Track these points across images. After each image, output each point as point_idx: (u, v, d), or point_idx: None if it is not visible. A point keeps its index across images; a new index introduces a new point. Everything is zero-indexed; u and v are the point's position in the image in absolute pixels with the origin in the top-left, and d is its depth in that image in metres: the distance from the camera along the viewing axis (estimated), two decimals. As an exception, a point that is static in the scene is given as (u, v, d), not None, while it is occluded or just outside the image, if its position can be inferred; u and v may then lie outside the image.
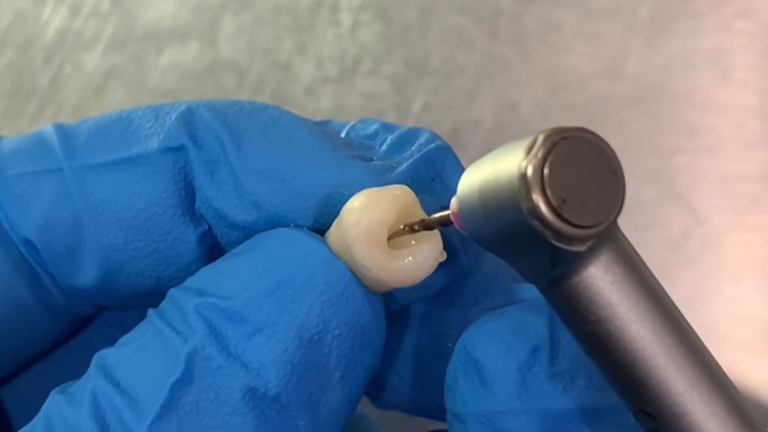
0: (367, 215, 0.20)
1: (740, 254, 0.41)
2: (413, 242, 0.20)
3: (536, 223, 0.16)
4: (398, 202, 0.20)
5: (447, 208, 0.22)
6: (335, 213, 0.21)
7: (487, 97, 0.41)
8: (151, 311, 0.20)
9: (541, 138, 0.16)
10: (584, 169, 0.16)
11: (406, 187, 0.20)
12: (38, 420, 0.20)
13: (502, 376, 0.20)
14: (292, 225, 0.21)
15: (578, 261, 0.17)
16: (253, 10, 0.43)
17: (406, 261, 0.20)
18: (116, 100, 0.42)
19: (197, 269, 0.21)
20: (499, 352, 0.21)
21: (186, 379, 0.19)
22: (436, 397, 0.24)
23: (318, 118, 0.41)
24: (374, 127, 0.23)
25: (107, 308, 0.25)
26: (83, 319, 0.25)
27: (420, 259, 0.20)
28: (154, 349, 0.19)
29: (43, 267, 0.23)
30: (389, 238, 0.20)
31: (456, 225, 0.19)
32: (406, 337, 0.24)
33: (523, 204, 0.16)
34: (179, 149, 0.22)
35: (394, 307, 0.23)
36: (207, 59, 0.42)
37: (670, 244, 0.40)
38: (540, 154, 0.15)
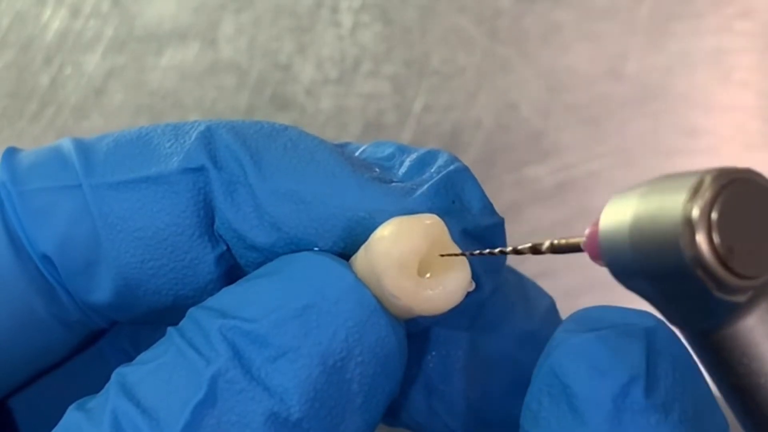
0: (399, 245, 0.20)
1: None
2: (442, 270, 0.20)
3: (698, 271, 0.14)
4: (430, 231, 0.20)
5: (468, 231, 0.21)
6: (355, 236, 0.21)
7: (488, 98, 0.41)
8: (171, 329, 0.20)
9: (708, 179, 0.14)
10: (752, 214, 0.15)
11: (436, 217, 0.20)
12: None
13: (595, 405, 0.20)
14: (313, 248, 0.21)
15: (735, 311, 0.15)
16: (253, 11, 0.43)
17: (436, 291, 0.20)
18: (117, 101, 0.42)
19: (214, 289, 0.21)
20: (591, 379, 0.20)
21: (208, 401, 0.19)
22: (444, 418, 0.24)
23: (319, 118, 0.41)
24: (390, 150, 0.23)
25: (120, 322, 0.25)
26: (96, 333, 0.25)
27: (450, 288, 0.20)
28: (176, 369, 0.19)
29: (59, 282, 0.23)
30: (420, 267, 0.20)
31: (589, 254, 0.18)
32: (415, 358, 0.24)
33: (686, 250, 0.14)
34: (199, 170, 0.22)
35: (416, 329, 0.23)
36: (207, 60, 0.42)
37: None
38: (707, 197, 0.14)
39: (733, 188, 0.15)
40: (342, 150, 0.23)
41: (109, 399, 0.19)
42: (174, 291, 0.22)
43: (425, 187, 0.21)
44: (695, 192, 0.14)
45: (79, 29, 0.43)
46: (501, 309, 0.24)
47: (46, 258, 0.22)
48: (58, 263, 0.22)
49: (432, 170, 0.22)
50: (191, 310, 0.20)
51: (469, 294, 0.21)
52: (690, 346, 0.17)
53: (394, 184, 0.22)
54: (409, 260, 0.20)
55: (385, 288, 0.20)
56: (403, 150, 0.23)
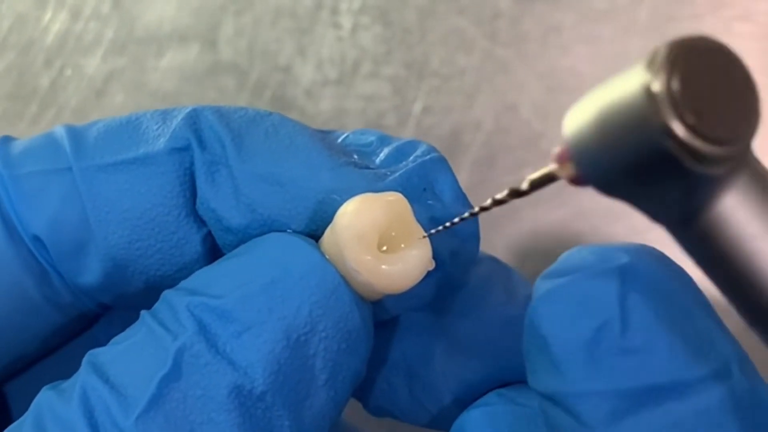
0: (359, 219, 0.20)
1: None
2: (402, 248, 0.21)
3: (670, 143, 0.14)
4: (391, 208, 0.20)
5: (437, 218, 0.22)
6: (327, 218, 0.21)
7: (487, 99, 0.41)
8: (144, 312, 0.21)
9: (663, 50, 0.14)
10: (714, 80, 0.14)
11: (399, 195, 0.21)
12: (28, 414, 0.20)
13: (570, 353, 0.19)
14: (286, 229, 0.22)
15: (714, 189, 0.15)
16: (253, 12, 0.43)
17: (395, 267, 0.20)
18: (117, 103, 0.42)
19: (200, 269, 0.22)
20: (564, 328, 0.19)
21: (174, 374, 0.19)
22: (425, 404, 0.24)
23: (318, 119, 0.41)
24: (371, 138, 0.24)
25: (113, 307, 0.25)
26: (89, 318, 0.25)
27: (409, 265, 0.20)
28: (145, 346, 0.20)
29: (51, 264, 0.23)
30: (382, 244, 0.20)
31: (564, 176, 0.17)
32: (395, 343, 0.24)
33: (653, 122, 0.14)
34: (185, 149, 0.22)
35: (384, 316, 0.23)
36: (207, 61, 0.42)
37: (671, 244, 0.40)
38: (666, 67, 0.14)
39: (688, 55, 0.14)
40: (324, 137, 0.23)
41: (79, 377, 0.20)
42: (161, 271, 0.23)
43: (397, 173, 0.22)
44: (651, 64, 0.14)
45: (79, 31, 0.43)
46: (480, 292, 0.24)
47: (37, 240, 0.23)
48: (49, 244, 0.23)
49: (409, 159, 0.22)
50: (165, 292, 0.21)
51: (429, 273, 0.21)
52: (679, 243, 0.16)
53: (368, 169, 0.22)
54: (369, 234, 0.20)
55: (347, 262, 0.20)
56: (384, 139, 0.23)
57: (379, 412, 0.25)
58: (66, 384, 0.20)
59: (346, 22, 0.42)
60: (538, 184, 0.18)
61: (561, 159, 0.16)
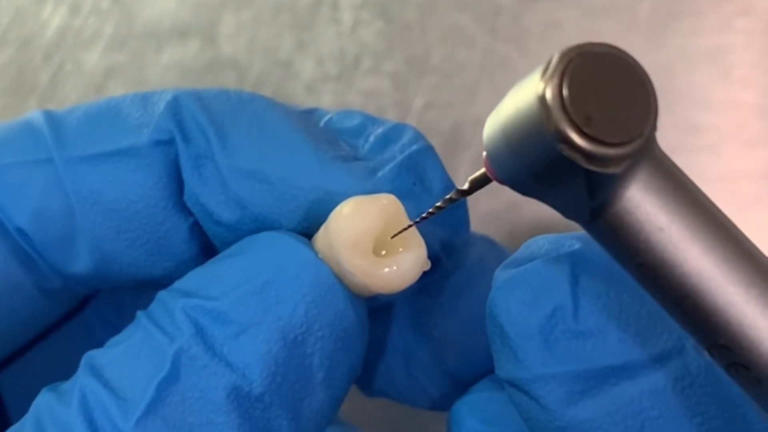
0: (354, 223, 0.20)
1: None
2: (400, 250, 0.21)
3: (563, 146, 0.14)
4: (385, 211, 0.20)
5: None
6: (320, 216, 0.21)
7: (488, 95, 0.41)
8: (139, 313, 0.21)
9: (555, 57, 0.15)
10: (608, 83, 0.15)
11: (393, 197, 0.21)
12: (28, 417, 0.20)
13: (525, 341, 0.20)
14: (278, 226, 0.22)
15: (617, 186, 0.15)
16: (253, 8, 0.43)
17: (390, 269, 0.20)
18: (116, 98, 0.42)
19: (189, 259, 0.22)
20: (520, 315, 0.20)
21: (172, 377, 0.19)
22: (424, 385, 0.24)
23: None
24: (357, 120, 0.23)
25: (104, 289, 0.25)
26: (80, 300, 0.25)
27: (404, 267, 0.20)
28: (142, 348, 0.20)
29: (38, 253, 0.23)
30: (376, 246, 0.21)
31: (490, 175, 0.18)
32: (393, 326, 0.24)
33: (546, 128, 0.14)
34: (170, 142, 0.22)
35: (377, 305, 0.23)
36: (207, 57, 0.42)
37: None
38: (557, 73, 0.14)
39: (581, 61, 0.15)
40: (309, 118, 0.23)
41: (78, 380, 0.20)
42: (150, 262, 0.23)
43: (387, 168, 0.22)
44: (545, 72, 0.15)
45: (78, 26, 0.43)
46: (475, 273, 0.24)
47: (21, 231, 0.23)
48: (34, 237, 0.23)
49: (396, 148, 0.22)
50: (159, 293, 0.21)
51: (425, 273, 0.21)
52: (593, 237, 0.16)
53: (357, 162, 0.22)
54: (364, 239, 0.20)
55: (342, 264, 0.20)
56: (370, 121, 0.23)
57: (377, 394, 0.25)
58: (65, 386, 0.20)
59: (347, 17, 0.42)
60: (477, 185, 0.19)
61: (485, 162, 0.18)
